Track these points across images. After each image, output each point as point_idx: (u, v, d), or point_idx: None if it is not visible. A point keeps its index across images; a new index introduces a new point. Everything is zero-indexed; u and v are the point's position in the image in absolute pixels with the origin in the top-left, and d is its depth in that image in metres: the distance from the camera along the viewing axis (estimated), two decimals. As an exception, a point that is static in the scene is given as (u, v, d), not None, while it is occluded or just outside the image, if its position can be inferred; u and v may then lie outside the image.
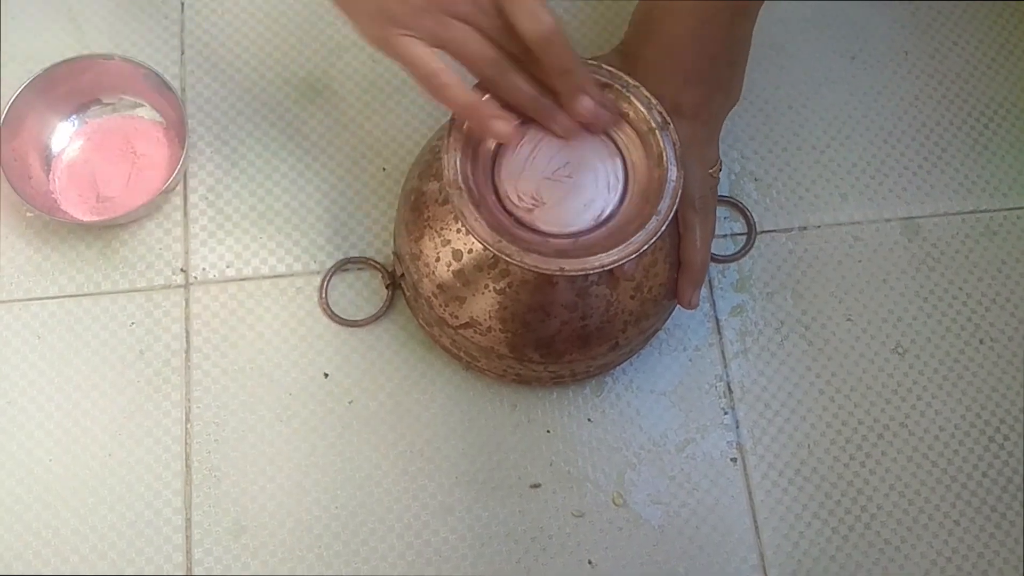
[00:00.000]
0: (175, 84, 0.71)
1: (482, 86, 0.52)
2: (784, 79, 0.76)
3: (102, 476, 0.63)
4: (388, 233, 0.69)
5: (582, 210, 0.53)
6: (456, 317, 0.59)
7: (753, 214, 0.71)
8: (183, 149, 0.66)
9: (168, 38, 0.74)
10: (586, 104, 0.52)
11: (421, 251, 0.59)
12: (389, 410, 0.66)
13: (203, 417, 0.65)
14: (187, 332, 0.67)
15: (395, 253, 0.65)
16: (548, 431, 0.66)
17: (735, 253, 0.71)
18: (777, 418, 0.67)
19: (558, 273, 0.50)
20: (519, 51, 0.51)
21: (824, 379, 0.68)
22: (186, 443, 0.64)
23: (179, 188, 0.70)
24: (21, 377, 0.65)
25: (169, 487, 0.63)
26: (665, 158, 0.52)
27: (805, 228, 0.72)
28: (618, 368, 0.67)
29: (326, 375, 0.66)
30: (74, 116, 0.70)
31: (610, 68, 0.54)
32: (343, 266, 0.68)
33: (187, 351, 0.66)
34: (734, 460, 0.66)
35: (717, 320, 0.69)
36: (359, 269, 0.69)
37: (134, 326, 0.67)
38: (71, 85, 0.68)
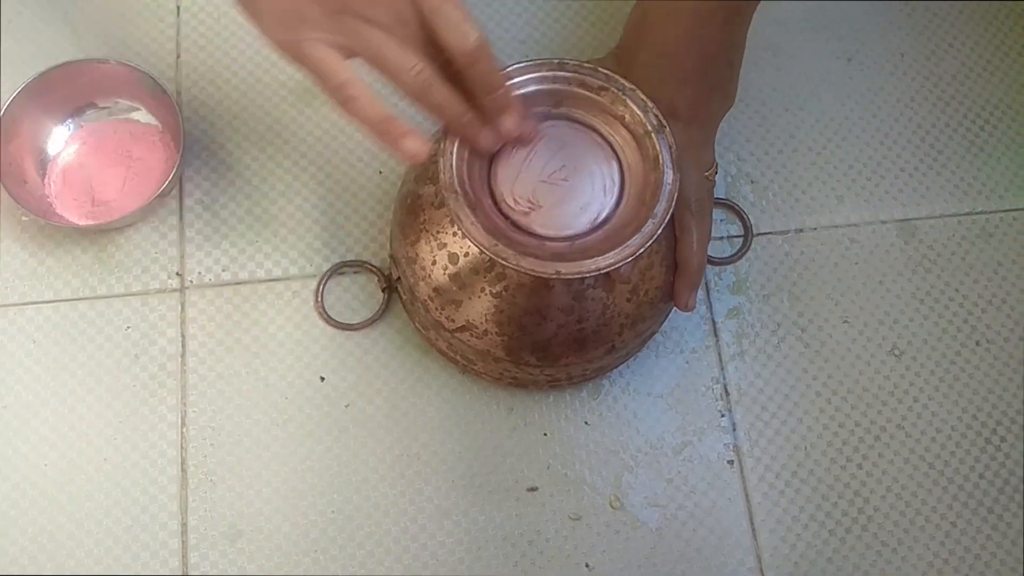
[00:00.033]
0: (171, 88, 0.71)
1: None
2: (780, 81, 0.76)
3: (98, 480, 0.63)
4: (384, 236, 0.69)
5: (578, 213, 0.53)
6: (452, 321, 0.58)
7: (749, 216, 0.71)
8: (179, 153, 0.66)
9: (164, 42, 0.74)
10: (508, 123, 0.50)
11: (417, 255, 0.59)
12: (385, 414, 0.66)
13: (199, 421, 0.65)
14: (183, 336, 0.67)
15: (391, 257, 0.65)
16: (545, 434, 0.66)
17: (731, 255, 0.71)
18: (774, 420, 0.67)
19: (554, 276, 0.50)
20: (439, 66, 0.48)
21: (821, 381, 0.68)
22: (182, 447, 0.64)
23: (175, 192, 0.70)
24: (16, 381, 0.65)
25: (165, 491, 0.63)
26: (661, 161, 0.52)
27: (801, 230, 0.72)
28: (615, 371, 0.67)
29: (322, 379, 0.66)
30: (70, 120, 0.69)
31: (606, 71, 0.54)
32: (339, 270, 0.68)
33: (183, 355, 0.66)
34: (731, 462, 0.66)
35: (714, 322, 0.69)
36: (355, 273, 0.69)
37: (130, 330, 0.67)
38: (67, 89, 0.68)
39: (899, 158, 0.74)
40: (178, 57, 0.74)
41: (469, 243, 0.52)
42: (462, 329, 0.58)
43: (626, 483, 0.65)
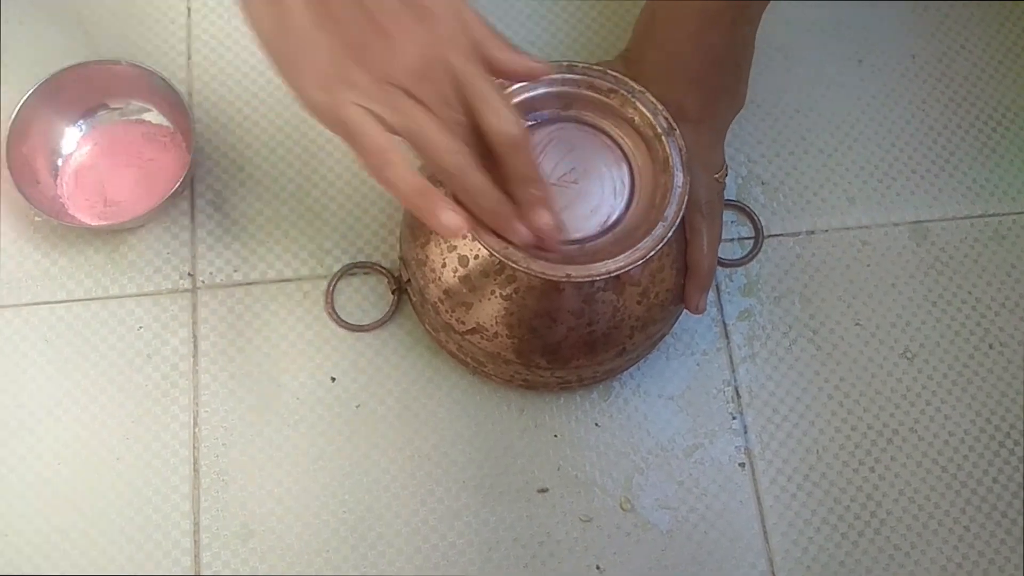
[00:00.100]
0: (182, 89, 0.71)
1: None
2: (791, 83, 0.75)
3: (110, 480, 0.64)
4: (394, 238, 0.69)
5: (588, 216, 0.53)
6: (462, 323, 0.59)
7: (760, 218, 0.71)
8: (190, 154, 0.66)
9: (175, 43, 0.74)
10: (545, 219, 0.48)
11: (427, 257, 0.59)
12: (396, 415, 0.66)
13: (210, 421, 0.65)
14: (194, 336, 0.67)
15: (401, 258, 0.65)
16: (555, 436, 0.66)
17: (742, 257, 0.70)
18: (785, 423, 0.67)
19: (565, 279, 0.49)
20: (478, 153, 0.46)
21: (832, 384, 0.68)
22: (194, 447, 0.65)
23: (186, 193, 0.70)
24: (30, 381, 0.65)
25: (177, 491, 0.63)
26: (671, 163, 0.52)
27: (813, 232, 0.72)
28: (625, 373, 0.67)
29: (333, 379, 0.66)
30: (81, 121, 0.70)
31: (615, 74, 0.54)
32: (349, 271, 0.69)
33: (194, 355, 0.67)
34: (742, 465, 0.66)
35: (724, 324, 0.69)
36: (365, 274, 0.69)
37: (142, 330, 0.67)
38: (79, 90, 0.68)
39: (911, 160, 0.74)
40: (189, 58, 0.74)
41: (479, 245, 0.52)
42: (472, 331, 0.58)
43: (637, 485, 0.65)
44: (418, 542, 0.63)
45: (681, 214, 0.51)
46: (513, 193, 0.48)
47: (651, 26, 0.62)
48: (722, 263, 0.69)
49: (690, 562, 0.64)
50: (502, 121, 0.45)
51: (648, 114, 0.53)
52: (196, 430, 0.65)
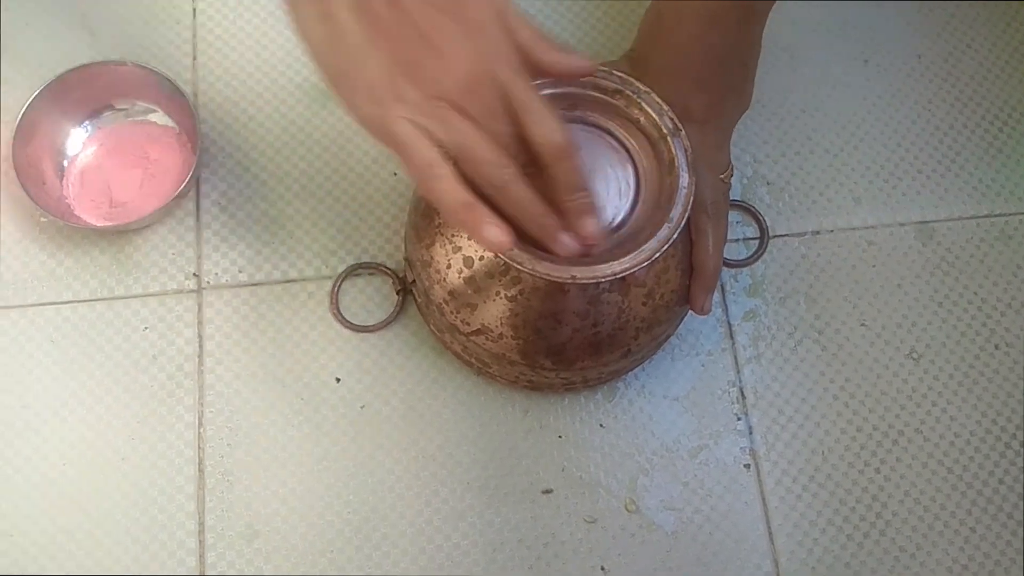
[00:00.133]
0: (187, 90, 0.71)
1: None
2: (796, 83, 0.75)
3: (116, 480, 0.64)
4: (399, 239, 0.69)
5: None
6: (467, 324, 0.59)
7: (766, 218, 0.71)
8: (195, 154, 0.66)
9: (180, 44, 0.74)
10: (591, 228, 0.49)
11: (432, 257, 0.59)
12: (401, 415, 0.66)
13: (216, 421, 0.65)
14: (200, 337, 0.67)
15: (406, 259, 0.65)
16: (560, 436, 0.66)
17: (748, 258, 0.70)
18: (791, 424, 0.67)
19: (570, 281, 0.49)
20: (525, 162, 0.47)
21: (838, 384, 0.68)
22: (199, 447, 0.65)
23: (191, 193, 0.70)
24: (36, 382, 0.66)
25: (182, 491, 0.64)
26: (677, 164, 0.52)
27: (818, 232, 0.72)
28: (630, 373, 0.67)
29: (338, 380, 0.66)
30: (87, 122, 0.70)
31: (620, 74, 0.54)
32: (354, 271, 0.69)
33: (200, 356, 0.67)
34: (747, 466, 0.66)
35: (730, 325, 0.69)
36: (370, 274, 0.69)
37: (147, 331, 0.67)
38: (84, 91, 0.68)
39: (917, 160, 0.74)
40: (195, 59, 0.74)
41: (484, 246, 0.52)
42: (477, 332, 0.58)
43: (641, 486, 0.65)
44: (422, 543, 0.63)
45: (687, 215, 0.51)
46: (560, 202, 0.48)
47: (657, 26, 0.62)
48: (727, 264, 0.69)
49: (695, 563, 0.63)
50: (547, 131, 0.46)
51: (654, 115, 0.53)
52: (201, 430, 0.65)
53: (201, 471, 0.64)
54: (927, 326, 0.70)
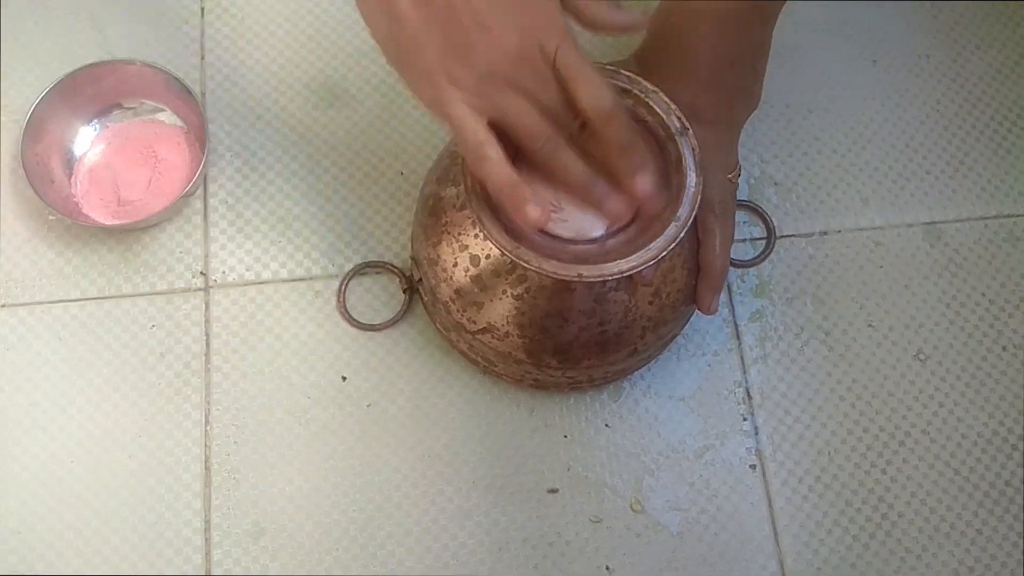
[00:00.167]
0: (195, 89, 0.71)
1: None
2: (804, 83, 0.75)
3: (123, 478, 0.64)
4: (406, 237, 0.70)
5: (600, 216, 0.53)
6: (474, 322, 0.59)
7: (773, 219, 0.71)
8: (203, 153, 0.67)
9: (188, 43, 0.74)
10: (646, 182, 0.50)
11: (439, 256, 0.59)
12: (407, 414, 0.66)
13: (222, 420, 0.65)
14: (207, 335, 0.67)
15: (413, 258, 0.65)
16: (565, 436, 0.66)
17: (754, 258, 0.70)
18: (797, 424, 0.67)
19: (576, 279, 0.49)
20: (576, 126, 0.49)
21: (845, 385, 0.68)
22: (206, 445, 0.65)
23: (199, 192, 0.70)
24: (43, 380, 0.66)
25: (189, 489, 0.64)
26: (684, 164, 0.52)
27: (825, 233, 0.72)
28: (636, 373, 0.67)
29: (344, 379, 0.66)
30: (96, 120, 0.70)
31: (628, 73, 0.54)
32: (361, 270, 0.69)
33: (207, 354, 0.67)
34: (753, 467, 0.66)
35: (736, 325, 0.69)
36: (377, 273, 0.69)
37: (154, 329, 0.67)
38: (93, 90, 0.69)
39: (924, 160, 0.74)
40: (202, 58, 0.74)
41: (491, 245, 0.52)
42: (483, 331, 0.59)
43: (647, 486, 0.65)
44: (428, 542, 0.63)
45: (694, 214, 0.51)
46: (614, 163, 0.50)
47: (665, 25, 0.62)
48: (734, 264, 0.69)
49: (700, 564, 0.63)
50: (594, 96, 0.48)
51: (662, 114, 0.53)
52: (208, 428, 0.65)
53: (208, 469, 0.64)
54: (934, 327, 0.69)
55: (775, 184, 0.72)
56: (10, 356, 0.66)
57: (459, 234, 0.58)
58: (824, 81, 0.75)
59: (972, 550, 0.64)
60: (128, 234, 0.69)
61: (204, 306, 0.68)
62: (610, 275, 0.50)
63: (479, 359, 0.63)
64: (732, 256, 0.64)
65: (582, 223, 0.53)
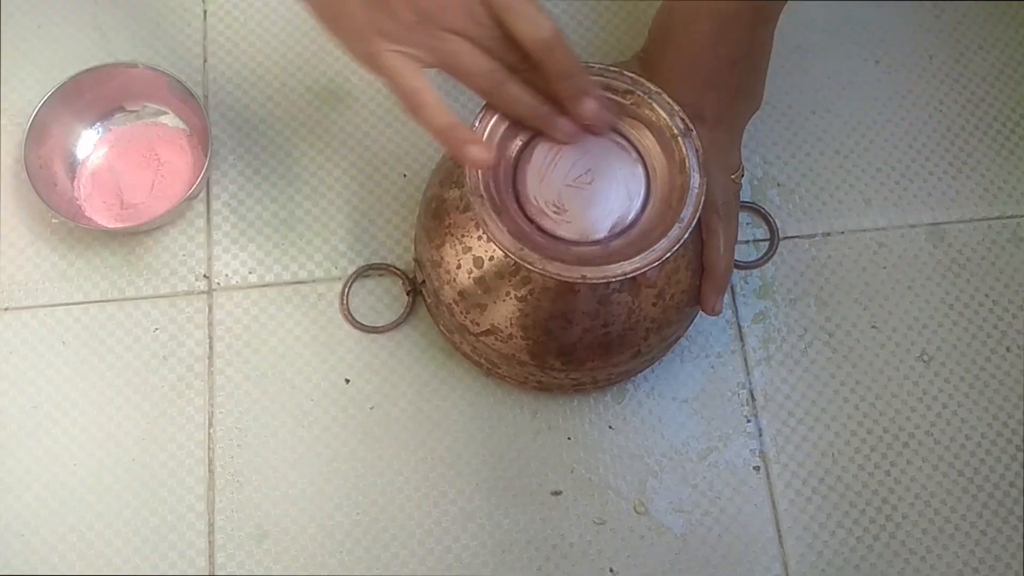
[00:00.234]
0: (198, 92, 0.71)
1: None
2: (807, 83, 0.75)
3: (126, 480, 0.64)
4: (409, 239, 0.70)
5: (604, 217, 0.53)
6: (477, 324, 0.59)
7: (776, 220, 0.71)
8: (206, 156, 0.67)
9: (191, 46, 0.74)
10: (590, 106, 0.51)
11: (442, 258, 0.59)
12: (410, 416, 0.66)
13: (225, 422, 0.65)
14: (210, 338, 0.67)
15: (416, 260, 0.65)
16: (569, 438, 0.66)
17: (758, 259, 0.70)
18: (801, 426, 0.67)
19: (580, 281, 0.49)
20: (517, 60, 0.49)
21: (848, 387, 0.68)
22: (209, 448, 0.65)
23: (202, 195, 0.70)
24: (47, 383, 0.66)
25: (192, 492, 0.64)
26: (688, 165, 0.52)
27: (828, 234, 0.71)
28: (640, 375, 0.67)
29: (347, 381, 0.66)
30: (98, 124, 0.70)
31: (631, 74, 0.54)
32: (364, 272, 0.69)
33: (210, 357, 0.67)
34: (757, 468, 0.66)
35: (739, 327, 0.69)
36: (380, 275, 0.69)
37: (158, 332, 0.67)
38: (96, 93, 0.69)
39: (928, 161, 0.74)
40: (205, 61, 0.74)
41: (494, 247, 0.52)
42: (487, 333, 0.58)
43: (651, 488, 0.65)
44: (431, 544, 0.63)
45: (697, 215, 0.51)
46: (558, 91, 0.50)
47: (668, 26, 0.62)
48: (737, 265, 0.69)
49: (704, 565, 0.63)
50: (531, 27, 0.48)
51: (665, 115, 0.53)
52: (211, 431, 0.65)
53: (211, 472, 0.64)
54: (938, 328, 0.69)
55: (778, 185, 0.72)
56: (13, 359, 0.66)
57: (462, 236, 0.58)
58: (827, 82, 0.75)
59: (976, 551, 0.64)
60: (131, 237, 0.69)
61: (207, 309, 0.68)
62: (614, 277, 0.50)
63: (482, 361, 0.63)
64: (736, 257, 0.64)
65: (585, 224, 0.53)
